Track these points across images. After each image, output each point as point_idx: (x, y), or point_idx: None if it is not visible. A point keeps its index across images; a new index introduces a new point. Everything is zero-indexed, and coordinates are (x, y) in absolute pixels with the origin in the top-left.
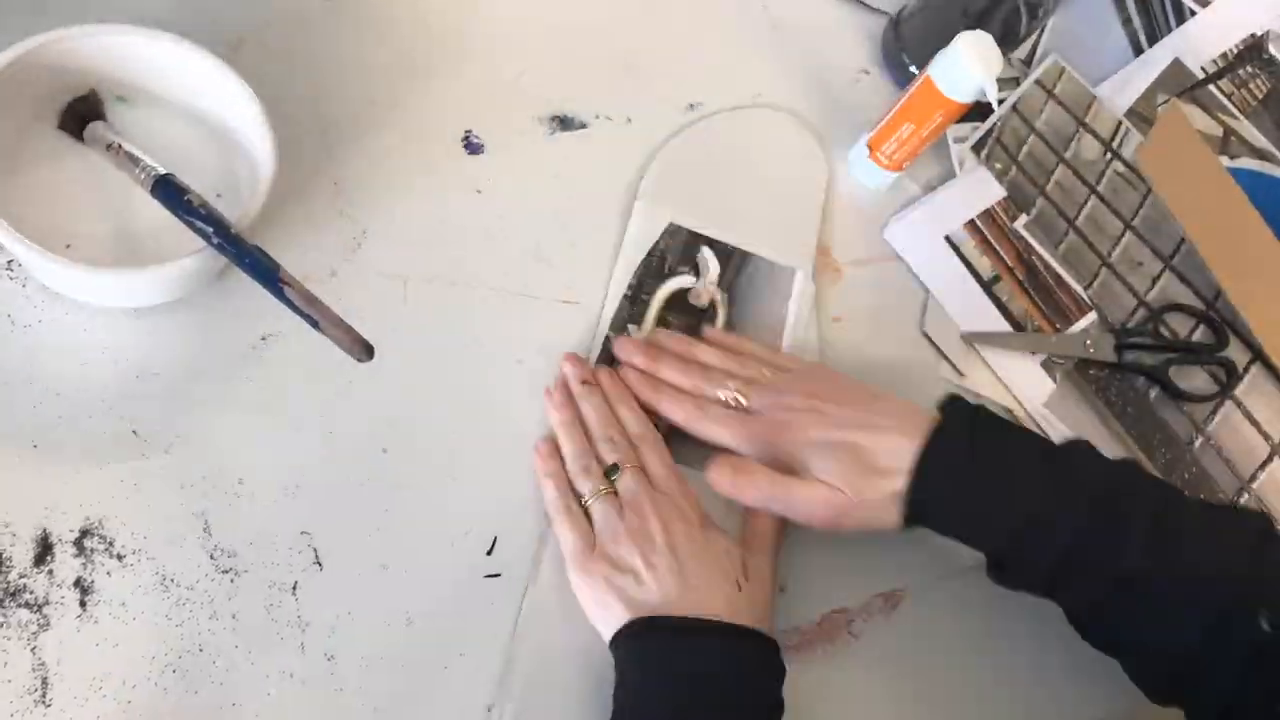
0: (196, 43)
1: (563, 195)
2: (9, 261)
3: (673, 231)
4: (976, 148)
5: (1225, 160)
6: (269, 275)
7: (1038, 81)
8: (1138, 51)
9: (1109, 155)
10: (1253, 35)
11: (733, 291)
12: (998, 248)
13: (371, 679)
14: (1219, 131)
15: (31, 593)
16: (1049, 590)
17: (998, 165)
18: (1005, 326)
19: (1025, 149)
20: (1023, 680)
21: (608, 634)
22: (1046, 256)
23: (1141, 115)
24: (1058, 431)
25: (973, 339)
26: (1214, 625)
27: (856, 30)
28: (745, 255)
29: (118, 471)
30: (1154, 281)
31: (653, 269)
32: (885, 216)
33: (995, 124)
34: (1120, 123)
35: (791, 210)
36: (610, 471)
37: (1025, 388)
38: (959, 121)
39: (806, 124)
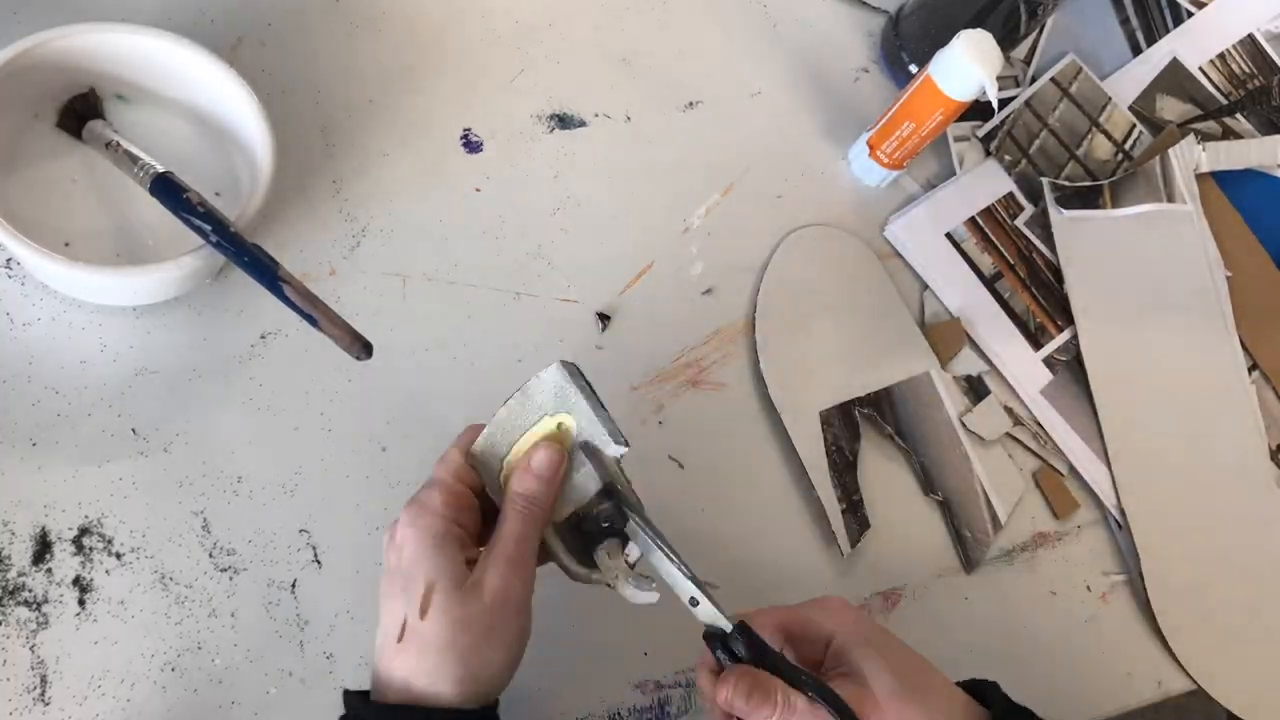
0: (196, 42)
1: (563, 194)
2: (8, 260)
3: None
4: (986, 140)
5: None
6: (268, 274)
7: (1053, 79)
8: (1136, 51)
9: (1120, 156)
10: (1249, 35)
11: (900, 429)
12: (999, 245)
13: (370, 678)
14: (1218, 131)
15: (30, 591)
16: None
17: (1007, 158)
18: (1007, 323)
19: (1036, 144)
20: (1023, 680)
21: None
22: (1048, 253)
23: (1140, 114)
24: (1049, 422)
25: None
26: None
27: (856, 29)
28: (888, 390)
29: (117, 470)
30: None
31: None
32: (886, 215)
33: (1007, 117)
34: (1134, 125)
35: (889, 322)
36: None
37: (1022, 377)
38: (959, 120)
39: (847, 233)
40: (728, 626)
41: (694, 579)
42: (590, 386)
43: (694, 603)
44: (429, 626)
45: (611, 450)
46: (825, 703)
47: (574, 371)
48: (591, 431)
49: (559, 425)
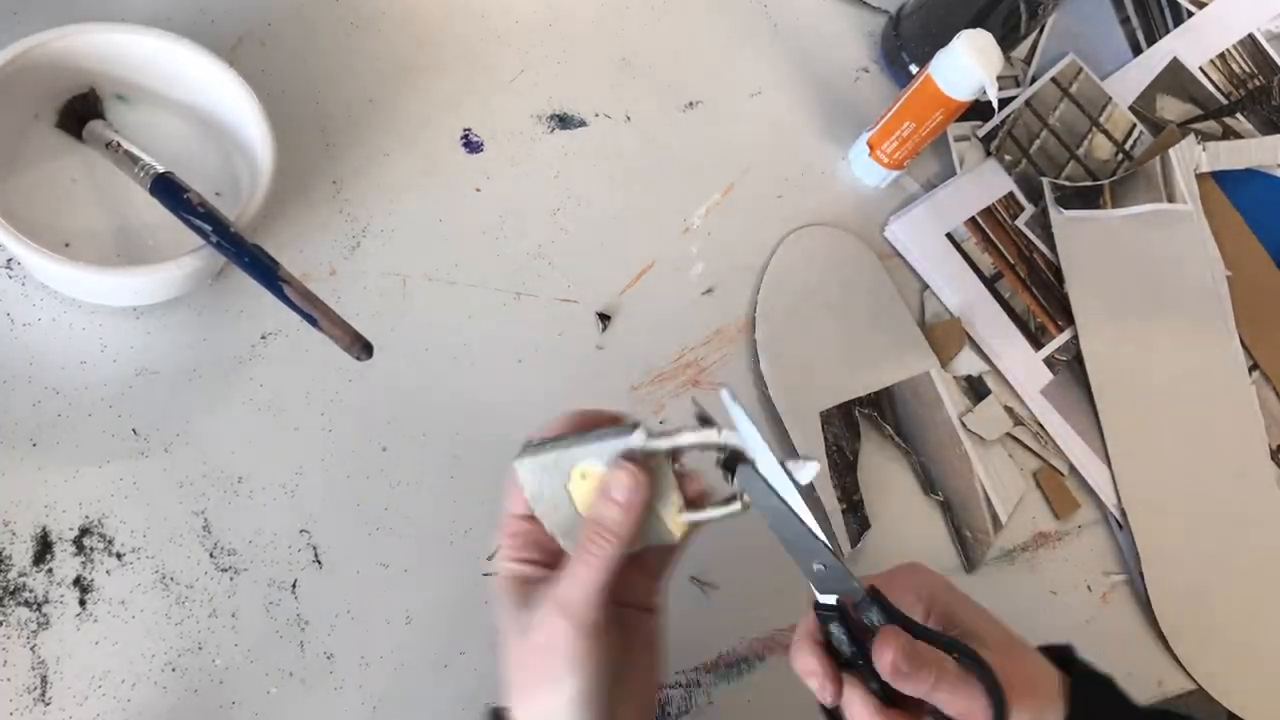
0: (196, 42)
1: (563, 194)
2: (8, 260)
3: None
4: (986, 140)
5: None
6: (268, 274)
7: (1054, 79)
8: (1136, 51)
9: (1120, 156)
10: (1249, 35)
11: (900, 429)
12: (999, 245)
13: (371, 678)
14: (1218, 131)
15: (31, 591)
16: None
17: (1008, 157)
18: (1008, 323)
19: (1037, 143)
20: None
21: None
22: (1048, 253)
23: (1140, 113)
24: (1050, 422)
25: None
26: None
27: (856, 28)
28: (888, 390)
29: (117, 470)
30: None
31: None
32: (886, 215)
33: (1007, 117)
34: (1134, 125)
35: (889, 321)
36: None
37: (1022, 377)
38: (959, 120)
39: (847, 233)
40: (860, 591)
41: (824, 539)
42: (557, 439)
43: (818, 567)
44: (502, 671)
45: (642, 433)
46: (976, 664)
47: (534, 449)
48: (603, 452)
49: (582, 476)
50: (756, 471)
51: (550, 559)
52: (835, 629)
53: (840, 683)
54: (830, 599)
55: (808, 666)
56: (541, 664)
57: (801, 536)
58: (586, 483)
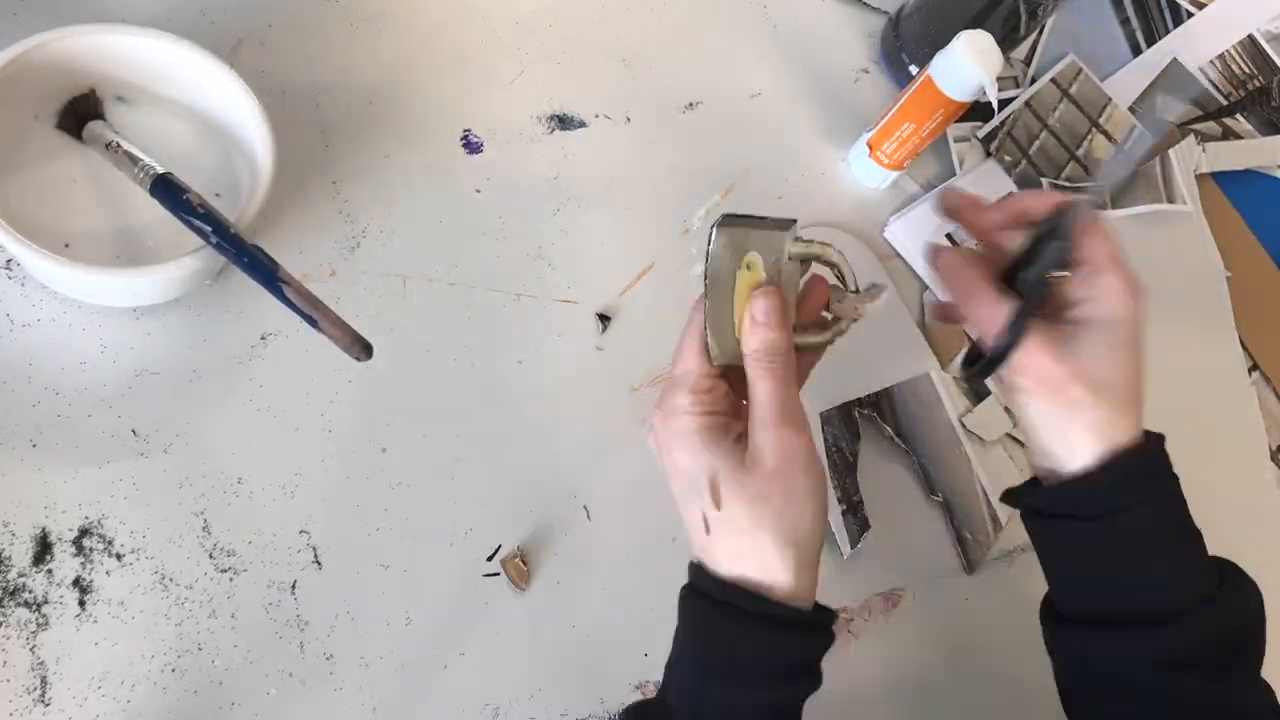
0: (196, 43)
1: (563, 195)
2: (8, 261)
3: None
4: (986, 140)
5: (1222, 160)
6: (268, 274)
7: (1053, 80)
8: (1136, 51)
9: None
10: (1249, 35)
11: (900, 429)
12: None
13: (371, 678)
14: (1218, 131)
15: (30, 592)
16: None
17: (1008, 158)
18: None
19: (1037, 144)
20: (1023, 680)
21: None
22: None
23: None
24: None
25: None
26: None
27: (856, 29)
28: (888, 391)
29: (117, 470)
30: None
31: None
32: (886, 215)
33: (1007, 117)
34: (1134, 126)
35: (889, 322)
36: None
37: None
38: (959, 120)
39: (847, 233)
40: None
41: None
42: (748, 216)
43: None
44: (729, 513)
45: (793, 234)
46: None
47: (731, 220)
48: (771, 242)
49: (748, 266)
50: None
51: (734, 411)
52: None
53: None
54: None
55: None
56: (784, 486)
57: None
58: (750, 273)
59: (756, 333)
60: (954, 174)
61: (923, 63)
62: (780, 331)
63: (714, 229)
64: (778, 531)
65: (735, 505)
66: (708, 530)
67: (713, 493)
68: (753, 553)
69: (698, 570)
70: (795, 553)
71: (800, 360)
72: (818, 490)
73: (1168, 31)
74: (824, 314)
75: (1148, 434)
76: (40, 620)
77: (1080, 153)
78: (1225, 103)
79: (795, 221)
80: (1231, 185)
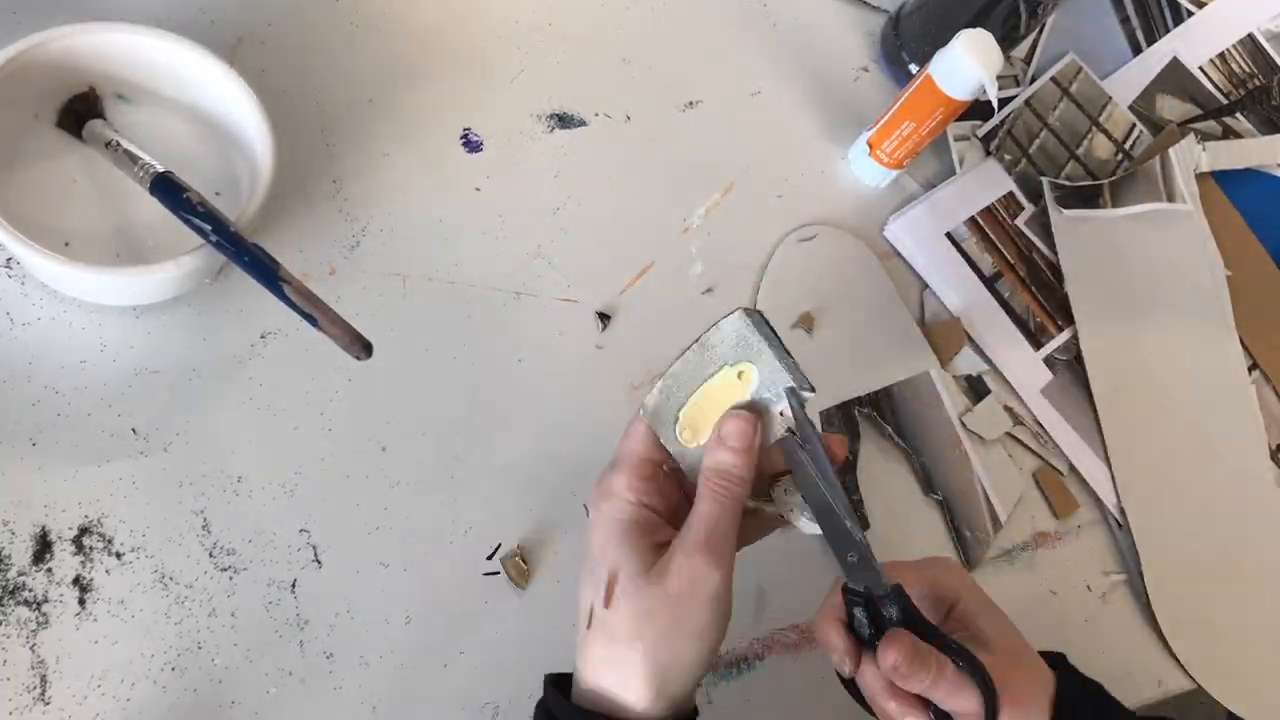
0: (196, 42)
1: (563, 194)
2: (8, 259)
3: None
4: (986, 139)
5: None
6: (268, 273)
7: (1053, 79)
8: (1136, 50)
9: (1120, 155)
10: (1249, 35)
11: (900, 428)
12: (999, 244)
13: (370, 678)
14: (1218, 131)
15: (30, 590)
16: None
17: (1007, 157)
18: (1007, 322)
19: (1037, 143)
20: None
21: None
22: (1048, 252)
23: (1140, 113)
24: (1049, 422)
25: None
26: None
27: (856, 28)
28: (888, 390)
29: (117, 469)
30: None
31: None
32: (886, 214)
33: (1007, 116)
34: (1134, 125)
35: (889, 321)
36: None
37: (1022, 377)
38: (959, 119)
39: (847, 233)
40: (886, 587)
41: (859, 535)
42: (774, 333)
43: (851, 558)
44: (613, 617)
45: (799, 399)
46: (972, 672)
47: (758, 320)
48: (775, 379)
49: (739, 375)
50: (807, 460)
51: (670, 512)
52: (859, 613)
53: (859, 659)
54: (859, 585)
55: (830, 641)
56: (676, 613)
57: (839, 531)
58: (738, 383)
59: (719, 454)
60: (954, 172)
61: (923, 61)
62: (745, 459)
63: (739, 310)
64: (651, 655)
65: (622, 611)
66: (589, 625)
67: (608, 589)
68: (619, 667)
69: (553, 686)
70: (660, 683)
71: (749, 523)
72: (711, 630)
73: (1168, 30)
74: (770, 492)
75: (1055, 663)
76: (40, 619)
77: (1080, 151)
78: (1225, 102)
79: (813, 390)
80: (1231, 184)
